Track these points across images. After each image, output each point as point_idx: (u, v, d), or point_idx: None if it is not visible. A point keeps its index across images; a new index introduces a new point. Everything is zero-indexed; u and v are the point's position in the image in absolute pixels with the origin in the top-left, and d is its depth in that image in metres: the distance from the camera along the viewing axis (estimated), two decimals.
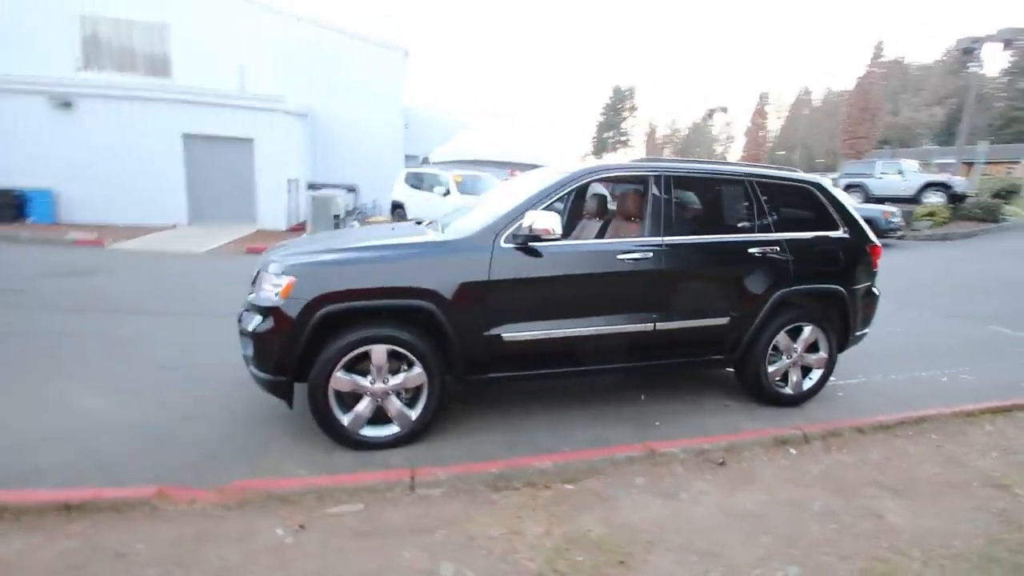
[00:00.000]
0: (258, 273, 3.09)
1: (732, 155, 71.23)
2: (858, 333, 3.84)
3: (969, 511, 2.46)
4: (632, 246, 3.22)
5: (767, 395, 3.65)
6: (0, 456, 2.72)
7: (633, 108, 70.97)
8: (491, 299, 2.95)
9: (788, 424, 3.27)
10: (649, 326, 3.26)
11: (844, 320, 3.73)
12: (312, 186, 14.51)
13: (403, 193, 12.28)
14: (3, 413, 3.21)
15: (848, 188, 16.38)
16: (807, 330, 3.63)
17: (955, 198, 15.04)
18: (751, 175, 3.62)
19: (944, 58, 60.14)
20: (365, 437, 2.90)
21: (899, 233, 13.10)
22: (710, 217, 3.56)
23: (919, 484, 2.69)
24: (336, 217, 12.44)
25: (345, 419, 2.86)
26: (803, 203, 3.72)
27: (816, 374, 3.75)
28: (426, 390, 2.94)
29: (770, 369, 3.61)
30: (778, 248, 3.49)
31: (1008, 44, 15.55)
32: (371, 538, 2.14)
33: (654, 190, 3.33)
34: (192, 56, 15.32)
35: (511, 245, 2.99)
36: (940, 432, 3.26)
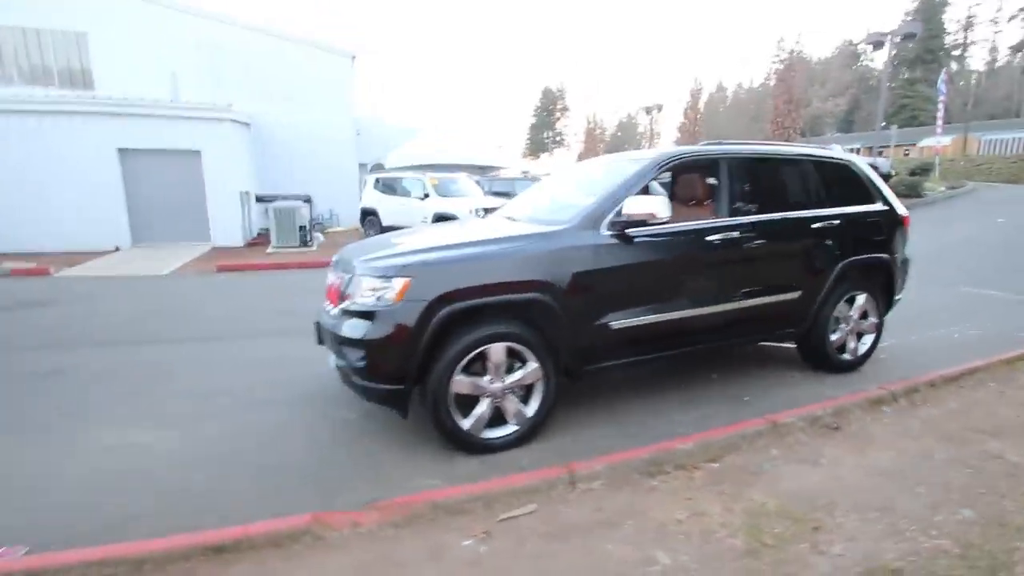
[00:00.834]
0: (337, 282, 2.91)
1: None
2: (897, 297, 4.13)
3: None
4: (721, 226, 3.29)
5: (831, 363, 3.84)
6: (76, 503, 2.36)
7: (565, 109, 72.66)
8: (599, 287, 2.92)
9: (860, 387, 3.47)
10: (737, 304, 3.35)
11: (889, 287, 4.01)
12: (261, 199, 13.69)
13: (374, 199, 11.88)
14: (55, 458, 2.80)
15: None
16: (861, 298, 3.86)
17: (883, 177, 16.53)
18: (804, 155, 3.81)
19: (837, 53, 66.44)
20: (488, 440, 2.78)
21: None
22: (777, 196, 3.70)
23: (1008, 425, 2.93)
24: (302, 229, 11.86)
25: (466, 423, 2.72)
26: (846, 180, 3.96)
27: (868, 339, 3.99)
28: (541, 386, 2.86)
29: (832, 338, 3.80)
30: (836, 222, 3.69)
31: (910, 38, 17.32)
32: (563, 537, 2.05)
33: (728, 171, 3.42)
34: (116, 66, 14.06)
35: (612, 232, 2.96)
36: (994, 379, 3.57)
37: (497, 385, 2.76)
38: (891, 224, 4.00)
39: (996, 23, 63.02)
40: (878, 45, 17.86)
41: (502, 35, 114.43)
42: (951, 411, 3.12)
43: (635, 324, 3.03)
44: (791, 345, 3.96)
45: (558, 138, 71.50)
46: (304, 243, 11.90)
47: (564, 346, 2.87)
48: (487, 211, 9.91)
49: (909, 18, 59.93)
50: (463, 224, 3.76)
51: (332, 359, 2.98)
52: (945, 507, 2.19)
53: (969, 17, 60.58)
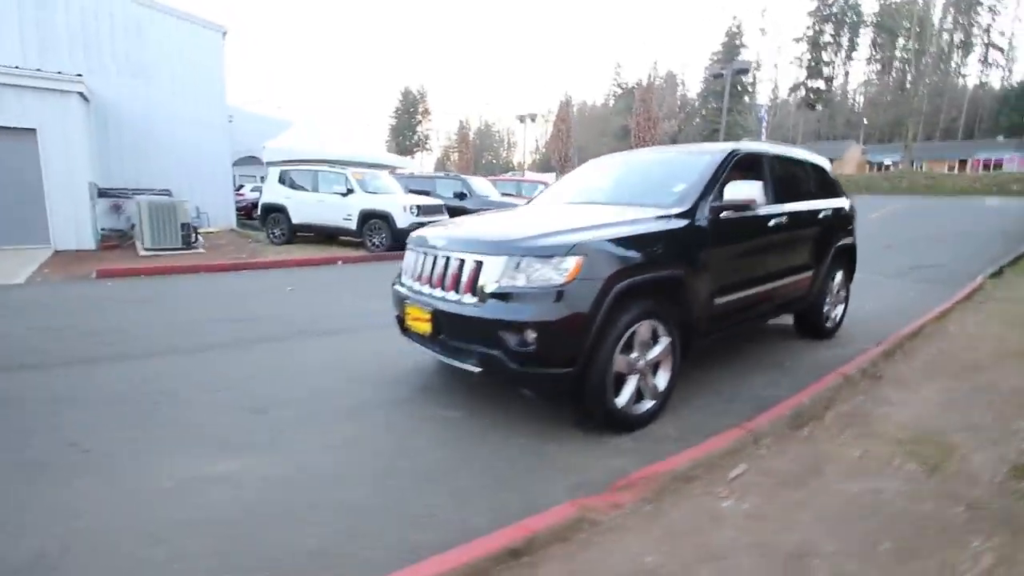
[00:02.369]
0: (456, 265, 2.76)
1: (517, 158, 78.26)
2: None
3: None
4: (777, 212, 3.73)
5: (822, 331, 4.59)
6: (229, 535, 1.88)
7: (427, 112, 72.19)
8: (711, 265, 3.15)
9: (861, 347, 4.24)
10: (782, 281, 3.85)
11: (853, 266, 4.92)
12: (105, 193, 11.34)
13: (281, 195, 10.61)
14: (145, 499, 2.15)
15: None
16: (839, 275, 4.69)
17: None
18: (804, 156, 4.50)
19: (665, 81, 76.89)
20: (637, 415, 2.82)
21: None
22: (798, 189, 4.27)
23: (1002, 347, 3.87)
24: (185, 227, 10.14)
25: (620, 401, 2.74)
26: (826, 179, 4.76)
27: (840, 309, 4.85)
28: (669, 361, 2.99)
29: (824, 309, 4.56)
30: (831, 212, 4.44)
31: (743, 72, 20.95)
32: (792, 485, 2.23)
33: (770, 167, 3.91)
34: None
35: (712, 216, 3.21)
36: (948, 327, 4.63)
37: (642, 362, 2.82)
38: (852, 215, 4.92)
39: (776, 67, 78.37)
40: (718, 76, 21.18)
41: (357, 33, 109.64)
42: (943, 350, 4.00)
43: (729, 299, 3.33)
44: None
45: (420, 140, 70.74)
46: (188, 244, 10.18)
47: (686, 321, 3.04)
48: (421, 209, 9.58)
49: (717, 56, 71.78)
50: (529, 209, 3.69)
51: (439, 352, 2.80)
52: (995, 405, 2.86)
53: (756, 61, 74.65)
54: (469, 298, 2.71)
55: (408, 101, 71.73)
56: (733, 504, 2.07)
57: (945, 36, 64.32)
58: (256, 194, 18.13)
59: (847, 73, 70.65)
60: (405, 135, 70.31)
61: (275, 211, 10.63)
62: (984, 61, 62.79)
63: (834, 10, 67.36)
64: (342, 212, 9.95)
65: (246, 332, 4.81)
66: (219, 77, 14.46)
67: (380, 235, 9.69)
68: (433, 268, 2.94)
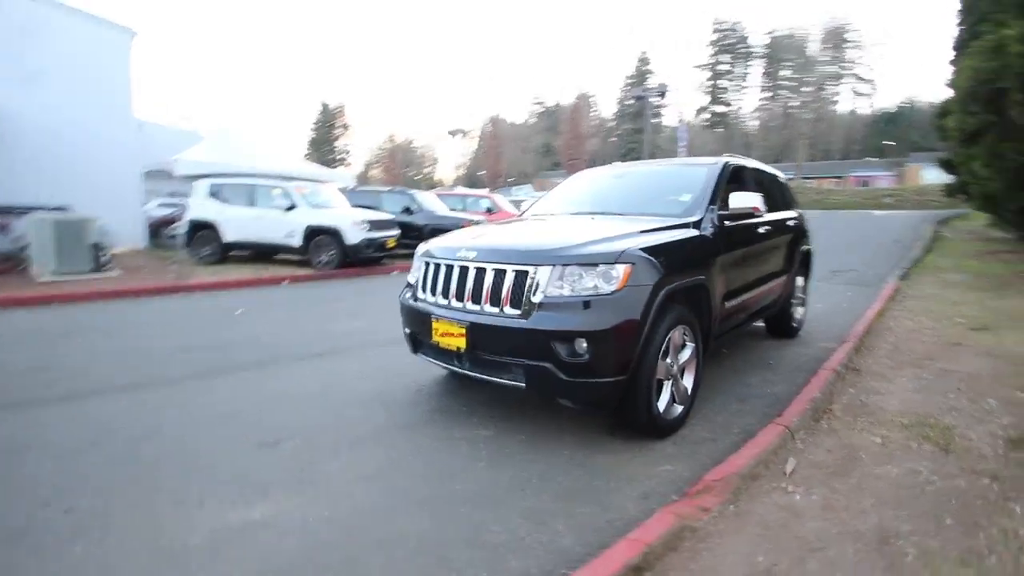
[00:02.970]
0: (492, 276, 2.70)
1: (439, 174, 78.40)
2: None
3: None
4: (764, 220, 3.98)
5: (790, 330, 4.95)
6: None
7: (346, 126, 70.21)
8: (723, 270, 3.31)
9: (825, 345, 4.63)
10: (767, 286, 4.12)
11: (810, 270, 5.38)
12: None
13: (211, 210, 9.75)
14: (183, 559, 1.86)
15: None
16: (800, 279, 5.10)
17: None
18: (773, 170, 4.87)
19: (580, 102, 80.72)
20: (671, 420, 2.87)
21: None
22: (772, 200, 4.59)
23: (940, 339, 4.35)
24: (96, 247, 9.05)
25: (660, 407, 2.78)
26: (784, 191, 5.19)
27: (801, 310, 5.27)
28: (694, 364, 3.09)
29: (791, 311, 4.93)
30: (795, 221, 4.84)
31: (662, 95, 22.44)
32: (841, 474, 2.36)
33: (754, 179, 4.19)
34: None
35: (718, 223, 3.38)
36: (889, 323, 5.15)
37: (675, 367, 2.89)
38: (805, 224, 5.39)
39: (678, 91, 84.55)
40: (639, 99, 22.52)
41: (266, 46, 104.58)
42: (891, 348, 4.44)
43: (734, 303, 3.51)
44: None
45: (341, 155, 68.52)
46: (100, 267, 9.08)
47: (705, 326, 3.16)
48: (373, 224, 9.25)
49: (630, 80, 76.33)
50: (542, 220, 3.66)
51: (471, 368, 2.79)
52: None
53: (662, 83, 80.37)
54: (511, 310, 2.63)
55: (327, 115, 69.41)
56: (803, 497, 2.16)
57: (820, 68, 73.02)
58: (163, 210, 16.63)
59: (741, 99, 77.95)
60: (323, 149, 67.81)
61: (204, 228, 9.76)
62: (854, 91, 71.85)
63: (730, 41, 74.32)
64: (284, 228, 9.34)
65: (213, 360, 4.34)
66: (126, 83, 13.19)
67: (328, 252, 9.21)
68: (464, 280, 2.83)
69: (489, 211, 13.02)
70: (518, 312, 2.61)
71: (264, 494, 2.32)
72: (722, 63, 75.32)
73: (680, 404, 2.97)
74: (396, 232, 10.10)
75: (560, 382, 2.53)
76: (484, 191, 19.48)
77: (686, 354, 2.96)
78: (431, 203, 11.80)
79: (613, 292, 2.51)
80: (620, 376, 2.54)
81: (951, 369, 3.86)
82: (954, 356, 4.16)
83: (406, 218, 10.99)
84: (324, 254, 9.23)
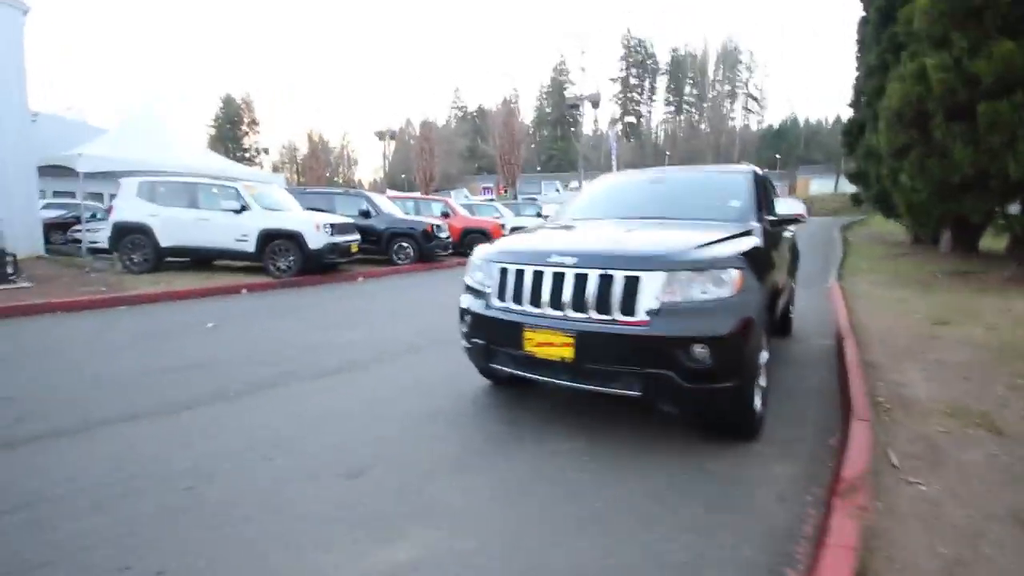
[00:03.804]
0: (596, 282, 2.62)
1: (358, 175, 75.70)
2: None
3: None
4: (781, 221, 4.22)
5: (788, 328, 5.32)
6: None
7: (254, 123, 65.48)
8: (772, 272, 3.45)
9: (818, 341, 5.01)
10: (786, 282, 4.39)
11: (796, 268, 5.81)
12: None
13: (143, 212, 8.58)
14: None
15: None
16: (791, 278, 5.50)
17: None
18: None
19: (511, 106, 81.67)
20: (759, 419, 2.93)
21: None
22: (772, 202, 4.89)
23: (916, 332, 4.84)
24: (4, 256, 7.71)
25: (757, 407, 2.84)
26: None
27: (792, 308, 5.68)
28: (765, 364, 3.19)
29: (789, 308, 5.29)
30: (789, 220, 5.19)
31: (596, 104, 23.29)
32: (940, 460, 2.54)
33: (765, 184, 4.43)
34: None
35: (766, 228, 3.53)
36: (862, 319, 5.67)
37: (763, 368, 2.97)
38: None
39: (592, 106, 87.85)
40: (574, 107, 23.21)
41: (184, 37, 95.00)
42: (880, 341, 4.90)
43: (775, 303, 3.69)
44: None
45: (251, 153, 63.74)
46: (4, 277, 7.72)
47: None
48: (335, 228, 8.71)
49: (546, 89, 78.39)
50: (611, 225, 3.57)
51: (571, 380, 2.69)
52: None
53: (594, 93, 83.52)
54: (624, 317, 2.56)
55: (231, 109, 64.32)
56: (928, 488, 2.30)
57: (718, 86, 79.81)
58: (55, 212, 14.62)
59: (650, 112, 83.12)
60: (229, 147, 62.75)
61: (135, 232, 8.60)
62: (746, 108, 79.31)
63: (638, 57, 78.96)
64: (234, 232, 8.48)
65: (209, 382, 3.82)
66: (18, 65, 11.35)
67: (287, 258, 8.49)
68: (561, 287, 2.71)
69: (445, 215, 12.73)
70: (633, 319, 2.55)
71: (393, 530, 2.06)
72: (632, 76, 79.92)
73: (762, 404, 3.06)
74: (358, 237, 9.56)
75: (681, 389, 2.50)
76: (435, 195, 19.12)
77: (766, 355, 3.06)
78: (388, 206, 11.31)
79: (730, 296, 2.53)
80: (737, 380, 2.56)
81: (944, 360, 4.32)
82: (937, 348, 4.66)
83: (363, 222, 10.44)
84: (282, 260, 8.51)
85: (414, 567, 1.85)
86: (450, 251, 12.13)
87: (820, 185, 46.13)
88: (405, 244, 10.75)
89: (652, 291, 2.54)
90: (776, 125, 76.81)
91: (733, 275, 2.56)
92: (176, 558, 1.89)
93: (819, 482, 2.48)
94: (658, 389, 2.54)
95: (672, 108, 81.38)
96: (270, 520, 2.13)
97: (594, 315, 2.63)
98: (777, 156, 65.07)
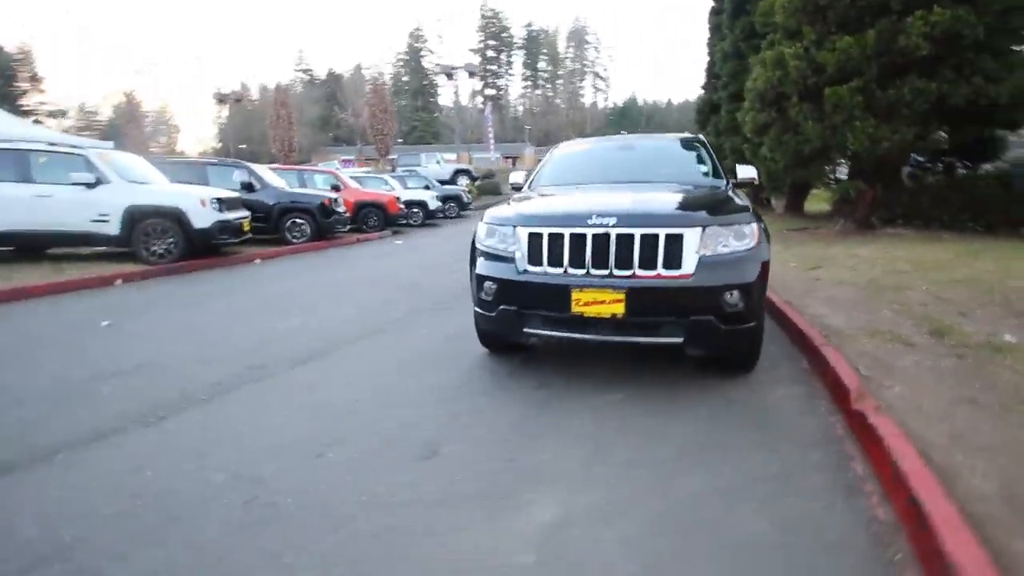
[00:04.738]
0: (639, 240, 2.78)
1: (181, 144, 65.94)
2: None
3: None
4: None
5: None
6: None
7: (36, 78, 52.64)
8: None
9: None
10: None
11: None
12: None
13: None
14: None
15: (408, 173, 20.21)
16: None
17: (474, 179, 21.57)
18: None
19: (353, 73, 76.37)
20: None
21: (472, 205, 18.07)
22: None
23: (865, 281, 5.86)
24: None
25: None
26: None
27: None
28: None
29: None
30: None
31: (472, 74, 23.04)
32: (899, 367, 3.21)
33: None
34: None
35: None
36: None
37: None
38: None
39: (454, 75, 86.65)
40: (449, 76, 22.77)
41: None
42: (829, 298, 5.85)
43: None
44: None
45: (33, 118, 51.29)
46: None
47: None
48: (223, 203, 7.67)
49: (402, 56, 75.18)
50: (604, 190, 3.66)
51: (617, 334, 2.85)
52: None
53: (437, 64, 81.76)
54: (669, 271, 2.75)
55: (1, 62, 50.93)
56: (899, 389, 2.89)
57: (569, 63, 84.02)
58: None
59: (508, 85, 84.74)
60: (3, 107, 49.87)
61: None
62: (594, 86, 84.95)
63: (494, 29, 79.44)
64: (88, 211, 6.92)
65: (169, 385, 3.23)
66: None
67: (166, 241, 7.21)
68: (606, 247, 2.81)
69: (335, 188, 11.78)
70: (678, 272, 2.75)
71: (512, 496, 2.03)
72: (490, 49, 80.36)
73: None
74: (248, 213, 8.47)
75: (719, 332, 2.78)
76: (308, 166, 17.39)
77: None
78: (273, 179, 10.11)
79: (753, 247, 2.86)
80: (757, 320, 2.93)
81: (835, 297, 5.31)
82: (824, 289, 5.69)
83: (248, 196, 9.22)
84: (158, 244, 7.19)
85: (568, 522, 1.87)
86: (348, 227, 11.34)
87: None
88: (300, 220, 9.77)
89: (692, 246, 2.76)
90: (620, 104, 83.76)
91: (754, 228, 2.90)
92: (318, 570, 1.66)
93: (819, 396, 2.97)
94: (701, 334, 2.79)
95: (529, 83, 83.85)
96: (377, 514, 1.95)
97: (639, 272, 2.78)
98: (622, 132, 71.25)
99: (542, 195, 3.75)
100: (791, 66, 8.47)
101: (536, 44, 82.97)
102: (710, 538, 1.79)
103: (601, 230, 2.83)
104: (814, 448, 2.37)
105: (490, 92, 77.24)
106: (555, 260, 2.92)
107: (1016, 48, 7.84)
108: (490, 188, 21.64)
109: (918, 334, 3.82)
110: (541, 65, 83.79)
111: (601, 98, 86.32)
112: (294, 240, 9.73)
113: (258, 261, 8.29)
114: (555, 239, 2.92)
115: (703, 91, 16.69)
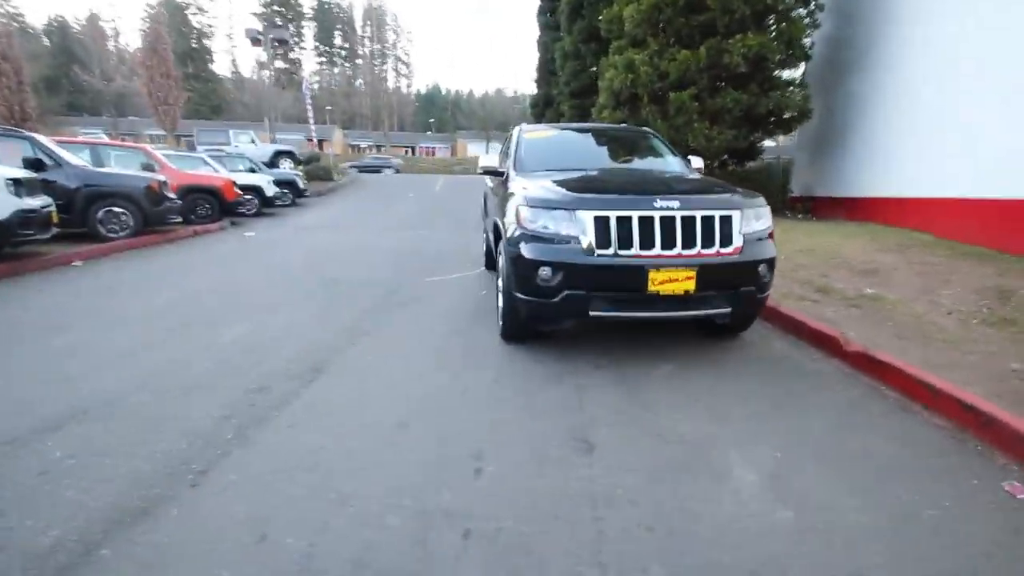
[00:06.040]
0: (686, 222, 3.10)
1: None
2: None
3: None
4: None
5: None
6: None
7: None
8: None
9: None
10: None
11: None
12: None
13: None
14: None
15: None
16: None
17: (300, 163, 19.35)
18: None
19: (86, 25, 60.34)
20: None
21: (308, 192, 16.25)
22: None
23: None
24: None
25: None
26: None
27: None
28: None
29: None
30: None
31: (282, 42, 20.36)
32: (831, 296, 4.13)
33: None
34: None
35: None
36: None
37: None
38: None
39: (232, 38, 75.55)
40: (256, 42, 19.85)
41: None
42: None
43: None
44: None
45: None
46: None
47: None
48: (19, 184, 5.73)
49: (153, 6, 62.22)
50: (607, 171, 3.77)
51: (682, 309, 3.11)
52: None
53: (210, 26, 69.88)
54: (724, 249, 3.09)
55: None
56: (870, 333, 3.77)
57: (368, 43, 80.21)
58: None
59: (300, 59, 77.08)
60: None
61: None
62: (396, 70, 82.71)
63: None
64: None
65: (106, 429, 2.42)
66: None
67: None
68: (673, 228, 3.01)
69: (149, 168, 9.39)
70: (730, 249, 3.10)
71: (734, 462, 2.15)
72: (276, 16, 71.89)
73: None
74: (50, 200, 6.33)
75: (755, 300, 3.25)
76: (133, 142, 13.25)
77: None
78: (68, 155, 7.59)
79: (770, 227, 3.37)
80: (770, 289, 3.47)
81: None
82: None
83: (42, 176, 6.80)
84: None
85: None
86: (179, 217, 9.23)
87: (475, 148, 53.48)
88: (119, 210, 7.58)
89: (738, 226, 3.14)
90: (423, 91, 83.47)
91: (768, 211, 3.41)
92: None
93: (808, 346, 3.68)
94: (744, 303, 3.21)
95: (324, 59, 77.60)
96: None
97: (702, 250, 3.06)
98: (431, 120, 71.43)
99: (554, 180, 3.72)
100: (641, 71, 9.72)
101: (330, 18, 77.12)
102: (838, 450, 2.19)
103: (668, 213, 3.02)
104: (847, 390, 2.97)
105: (281, 65, 69.25)
106: (626, 243, 3.01)
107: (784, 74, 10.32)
108: (320, 173, 19.67)
109: (812, 293, 4.91)
110: (338, 42, 78.33)
111: (404, 83, 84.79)
112: (112, 235, 7.54)
113: (78, 263, 6.24)
114: (622, 222, 3.01)
115: (536, 85, 17.88)
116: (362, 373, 3.13)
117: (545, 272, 3.05)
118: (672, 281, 3.00)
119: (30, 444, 2.20)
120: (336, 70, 78.39)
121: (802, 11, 9.42)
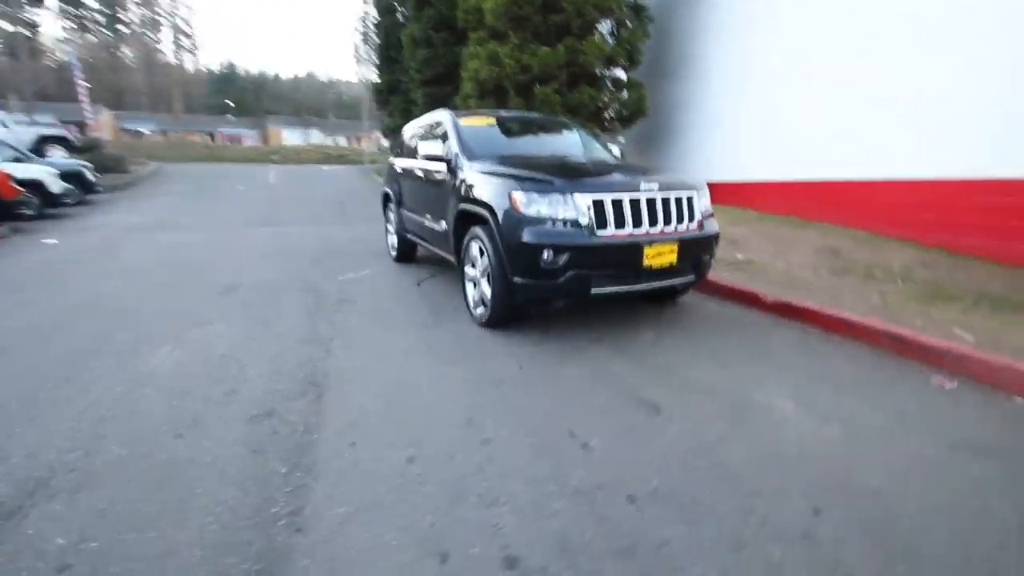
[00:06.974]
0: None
1: None
2: None
3: None
4: None
5: None
6: None
7: None
8: None
9: None
10: None
11: None
12: None
13: None
14: None
15: None
16: None
17: (76, 151, 15.47)
18: None
19: None
20: None
21: (101, 188, 13.16)
22: None
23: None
24: None
25: None
26: None
27: None
28: None
29: None
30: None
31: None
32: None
33: None
34: None
35: None
36: None
37: None
38: None
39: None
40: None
41: None
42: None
43: None
44: None
45: None
46: None
47: None
48: None
49: None
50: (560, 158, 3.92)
51: (665, 279, 3.55)
52: None
53: None
54: (691, 224, 3.57)
55: None
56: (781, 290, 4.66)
57: (135, 8, 66.65)
58: None
59: (36, 21, 60.54)
60: None
61: None
62: (177, 43, 70.31)
63: None
64: None
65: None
66: None
67: None
68: (654, 208, 3.38)
69: None
70: (693, 225, 3.60)
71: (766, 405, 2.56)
72: None
73: None
74: None
75: (707, 267, 3.83)
76: None
77: None
78: None
79: (710, 206, 3.97)
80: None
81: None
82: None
83: None
84: None
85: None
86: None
87: (291, 136, 48.62)
88: None
89: (697, 205, 3.66)
90: (217, 70, 72.69)
91: (707, 192, 4.01)
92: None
93: (735, 302, 4.43)
94: (703, 270, 3.76)
95: (73, 22, 62.17)
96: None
97: (676, 227, 3.50)
98: (229, 103, 62.72)
99: (514, 166, 3.73)
100: (506, 63, 10.11)
101: None
102: (823, 374, 2.86)
103: (651, 195, 3.38)
104: (781, 328, 3.74)
105: (7, 28, 53.45)
106: (620, 223, 3.30)
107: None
108: (110, 164, 15.96)
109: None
110: (91, 3, 63.41)
111: (189, 59, 72.66)
112: None
113: None
114: (616, 204, 3.29)
115: (378, 71, 17.09)
116: (370, 382, 2.88)
117: (549, 254, 3.17)
118: (661, 255, 3.39)
119: None
120: (93, 38, 63.52)
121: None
